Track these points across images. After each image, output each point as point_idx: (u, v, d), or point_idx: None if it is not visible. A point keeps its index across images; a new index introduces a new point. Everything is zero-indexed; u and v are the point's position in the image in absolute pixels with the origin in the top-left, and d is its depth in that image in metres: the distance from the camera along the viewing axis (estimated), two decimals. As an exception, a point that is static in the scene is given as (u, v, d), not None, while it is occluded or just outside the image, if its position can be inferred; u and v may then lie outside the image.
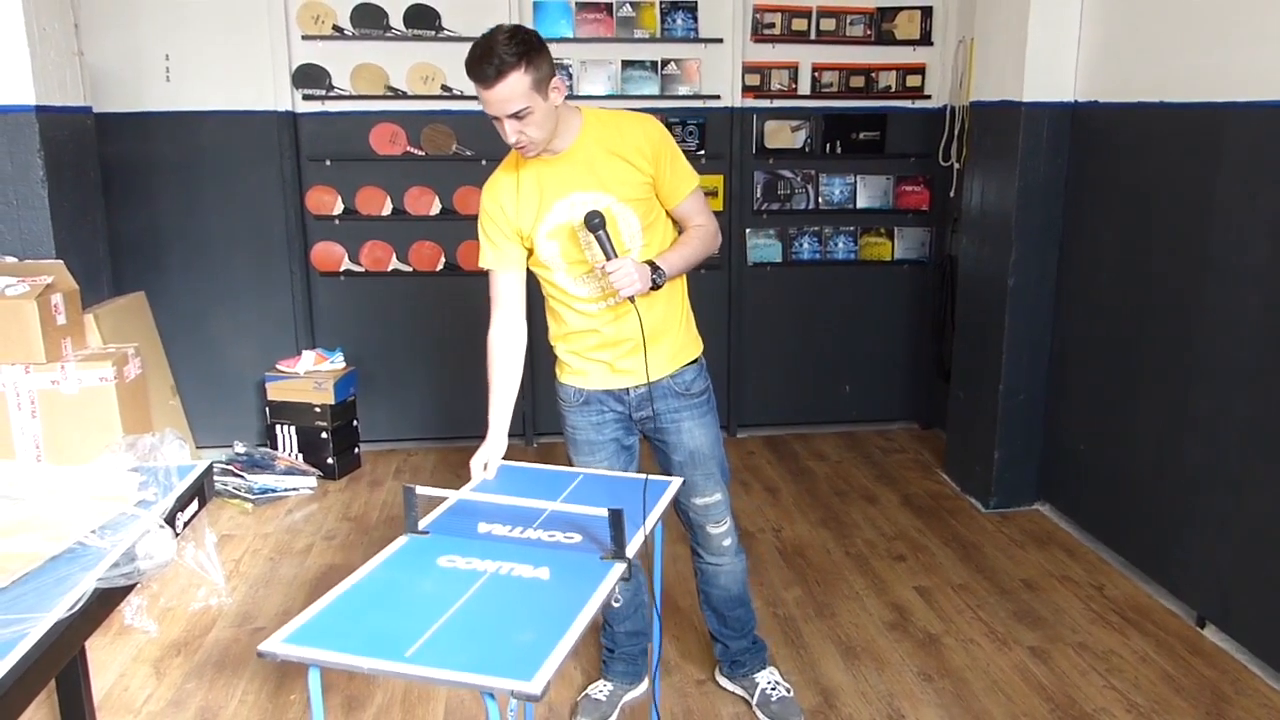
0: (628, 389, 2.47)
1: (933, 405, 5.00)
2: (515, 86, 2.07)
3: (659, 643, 2.37)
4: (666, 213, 2.41)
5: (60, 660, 1.67)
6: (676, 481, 2.26)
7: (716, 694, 2.79)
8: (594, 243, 2.20)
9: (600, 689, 2.72)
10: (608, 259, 2.18)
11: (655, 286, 2.25)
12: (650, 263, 2.26)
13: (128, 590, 1.90)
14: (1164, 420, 3.28)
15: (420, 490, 1.93)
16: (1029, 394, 3.95)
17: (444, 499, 2.08)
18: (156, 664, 2.94)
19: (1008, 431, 3.97)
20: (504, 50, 2.04)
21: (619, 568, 1.77)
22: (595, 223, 2.16)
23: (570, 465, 2.52)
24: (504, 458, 2.38)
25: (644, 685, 2.76)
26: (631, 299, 2.21)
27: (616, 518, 1.77)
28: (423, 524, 1.96)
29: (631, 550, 1.84)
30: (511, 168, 2.34)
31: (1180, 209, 3.18)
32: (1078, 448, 3.77)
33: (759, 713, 2.69)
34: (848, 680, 2.85)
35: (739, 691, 2.77)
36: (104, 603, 1.80)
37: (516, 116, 2.11)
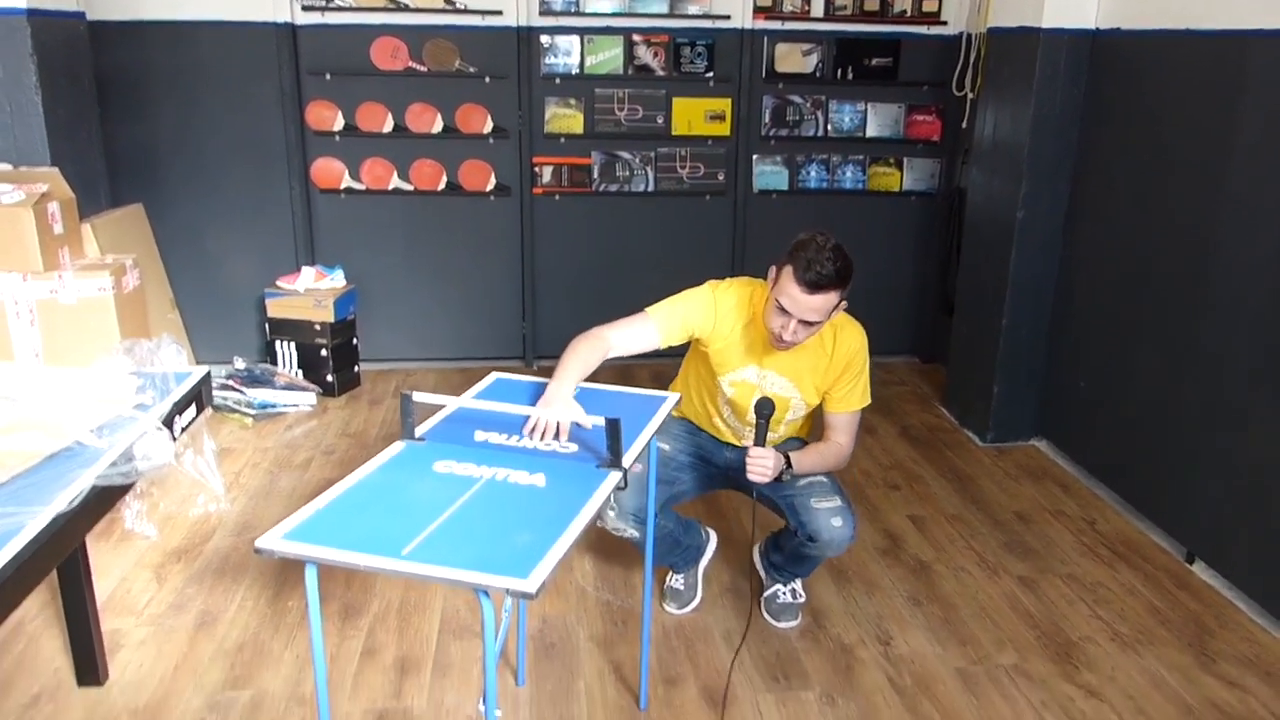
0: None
1: (936, 340, 4.98)
2: (827, 303, 2.25)
3: (651, 569, 2.39)
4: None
5: (59, 553, 1.69)
6: (674, 397, 2.26)
7: (711, 614, 2.82)
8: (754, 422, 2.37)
9: (676, 580, 2.86)
10: (755, 443, 2.35)
11: (778, 481, 2.42)
12: (788, 459, 2.43)
13: (125, 489, 1.91)
14: (1167, 357, 3.27)
15: (418, 397, 1.93)
16: (1032, 329, 3.93)
17: (441, 408, 2.08)
18: (157, 569, 2.98)
19: (1008, 366, 3.97)
20: (834, 268, 2.20)
21: (615, 476, 1.78)
22: (764, 411, 2.33)
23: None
24: (503, 373, 2.37)
25: (711, 547, 2.91)
26: (746, 484, 2.41)
27: (614, 427, 1.77)
28: (420, 431, 1.96)
29: (628, 460, 1.84)
30: (745, 307, 2.48)
31: (1199, 141, 3.12)
32: (1078, 384, 3.77)
33: (762, 607, 2.81)
34: (838, 602, 2.89)
35: (761, 574, 2.88)
36: (102, 500, 1.82)
37: (806, 323, 2.26)
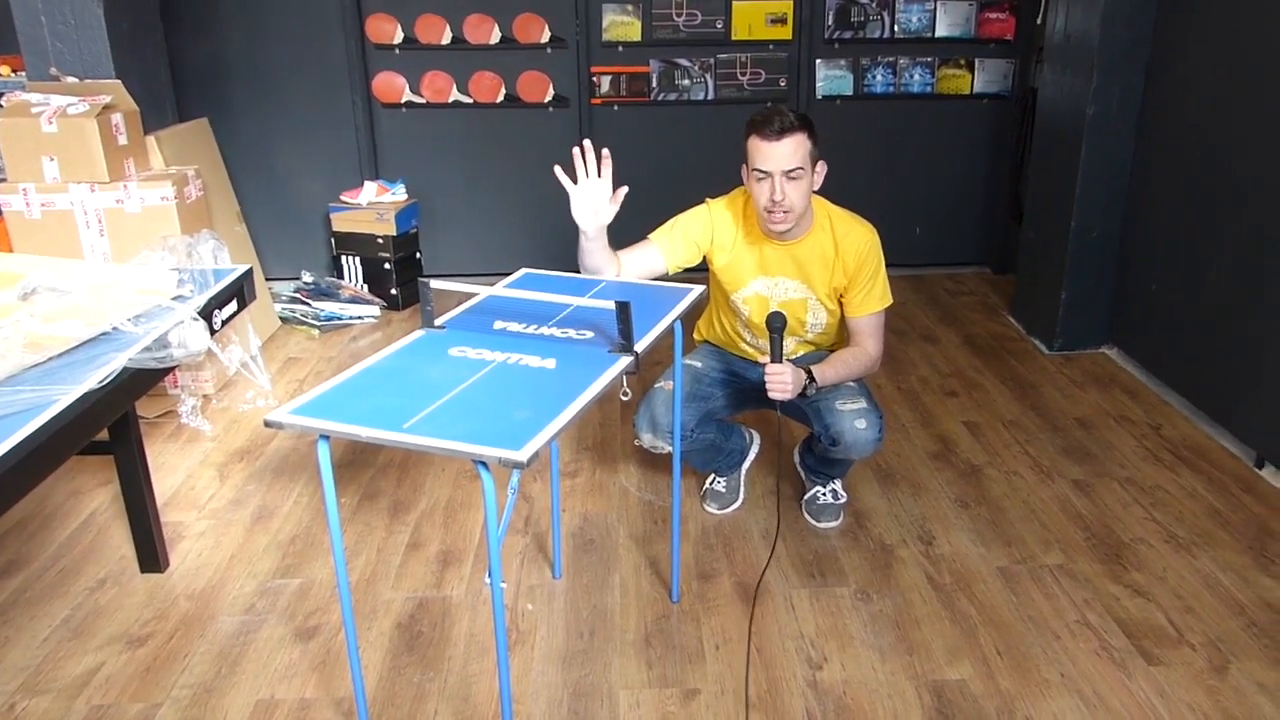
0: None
1: (1008, 250, 4.81)
2: (798, 146, 2.26)
3: (680, 459, 2.39)
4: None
5: (91, 429, 1.77)
6: (697, 289, 2.23)
7: (751, 514, 2.82)
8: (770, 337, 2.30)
9: (718, 483, 2.87)
10: (772, 359, 2.28)
11: (802, 396, 2.37)
12: (809, 373, 2.37)
13: (160, 374, 1.98)
14: (1243, 257, 3.09)
15: (440, 285, 1.94)
16: (1102, 231, 3.76)
17: (467, 299, 2.09)
18: (221, 468, 3.11)
19: (1077, 271, 3.81)
20: (792, 115, 2.26)
21: (625, 360, 1.77)
22: (776, 324, 2.26)
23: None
24: (530, 268, 2.37)
25: (754, 450, 2.92)
26: (775, 403, 2.33)
27: (624, 310, 1.76)
28: (441, 321, 1.98)
29: (642, 346, 1.83)
30: (740, 216, 2.51)
31: None
32: (1149, 287, 3.60)
33: (803, 508, 2.80)
34: (881, 504, 2.86)
35: (801, 475, 2.88)
36: (137, 383, 1.89)
37: (789, 176, 2.27)
